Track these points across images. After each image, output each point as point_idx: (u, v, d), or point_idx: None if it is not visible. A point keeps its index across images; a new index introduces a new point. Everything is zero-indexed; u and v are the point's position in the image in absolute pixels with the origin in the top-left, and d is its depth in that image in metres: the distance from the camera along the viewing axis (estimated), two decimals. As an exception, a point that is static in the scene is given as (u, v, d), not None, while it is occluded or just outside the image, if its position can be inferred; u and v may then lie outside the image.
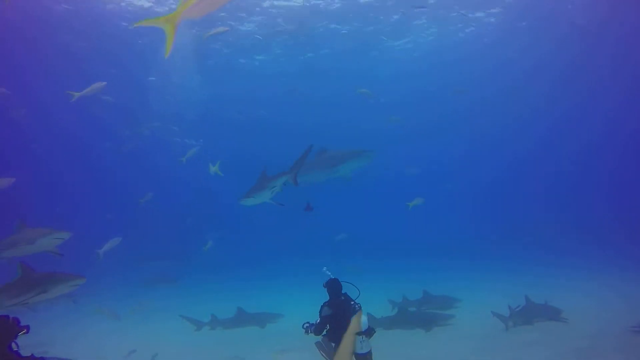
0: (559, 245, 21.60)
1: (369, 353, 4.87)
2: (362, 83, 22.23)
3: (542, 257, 19.46)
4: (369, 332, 4.85)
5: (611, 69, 25.82)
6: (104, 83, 10.72)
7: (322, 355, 5.21)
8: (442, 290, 13.04)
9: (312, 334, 5.09)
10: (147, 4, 18.21)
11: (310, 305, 6.03)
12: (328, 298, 5.21)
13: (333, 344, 5.07)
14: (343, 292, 5.23)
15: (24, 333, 3.42)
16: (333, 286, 5.20)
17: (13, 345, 3.36)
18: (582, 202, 32.23)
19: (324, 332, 5.08)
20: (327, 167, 12.18)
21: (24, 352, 3.41)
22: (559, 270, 16.47)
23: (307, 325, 5.10)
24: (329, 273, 5.42)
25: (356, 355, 4.82)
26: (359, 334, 4.82)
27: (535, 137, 36.19)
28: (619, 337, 8.62)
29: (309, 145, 8.81)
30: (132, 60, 22.78)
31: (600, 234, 23.10)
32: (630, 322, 9.07)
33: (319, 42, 23.73)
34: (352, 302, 5.06)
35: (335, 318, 4.97)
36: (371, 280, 16.86)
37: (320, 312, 5.11)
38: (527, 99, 31.07)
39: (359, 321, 4.59)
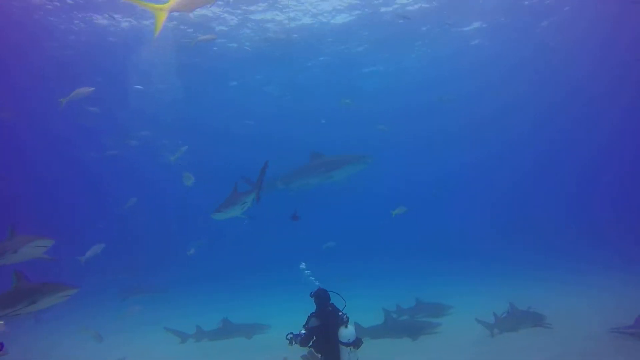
0: (560, 248, 21.76)
1: (356, 364, 4.85)
2: (354, 94, 22.58)
3: (542, 260, 19.50)
4: (356, 343, 4.83)
5: (614, 76, 26.33)
6: (92, 88, 10.61)
7: (309, 367, 5.16)
8: (439, 296, 13.14)
9: (297, 345, 4.97)
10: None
11: (298, 315, 5.98)
12: (315, 308, 5.16)
13: (319, 355, 5.03)
14: (330, 302, 5.19)
15: None
16: (321, 296, 5.15)
17: None
18: (583, 205, 32.93)
19: (310, 344, 5.02)
20: (323, 172, 12.23)
21: None
22: (559, 273, 16.46)
23: (291, 336, 4.97)
24: (309, 272, 5.39)
25: (344, 366, 4.80)
26: (346, 344, 4.80)
27: (534, 141, 37.04)
28: (611, 341, 8.77)
29: (265, 161, 8.99)
30: (117, 68, 22.61)
31: (604, 236, 23.13)
32: (617, 325, 9.24)
33: (307, 56, 23.96)
34: (340, 313, 5.02)
35: (322, 329, 4.93)
36: (366, 286, 17.02)
37: (307, 323, 5.03)
38: (529, 107, 31.81)
39: None
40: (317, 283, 5.43)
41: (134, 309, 13.87)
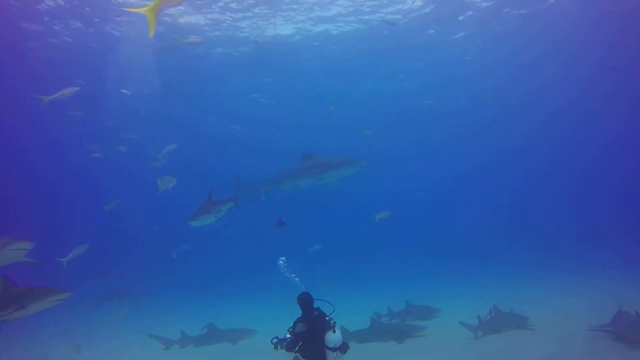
0: (560, 249, 21.82)
1: (343, 368, 4.86)
2: (353, 100, 22.33)
3: (542, 260, 19.55)
4: (343, 348, 4.85)
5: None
6: (76, 88, 10.46)
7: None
8: (435, 298, 13.29)
9: (283, 350, 4.95)
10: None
11: (284, 320, 5.96)
12: (301, 313, 5.16)
13: (305, 360, 5.02)
14: (316, 306, 5.19)
15: None
16: (305, 299, 5.16)
17: None
18: (583, 206, 33.27)
19: (296, 349, 5.00)
20: (315, 174, 12.08)
21: None
22: (559, 273, 16.51)
23: (276, 340, 4.95)
24: (288, 268, 5.38)
25: (331, 371, 4.81)
26: (333, 349, 4.81)
27: (535, 143, 37.54)
28: (604, 341, 8.89)
29: (237, 175, 9.57)
30: (106, 72, 22.36)
31: (604, 236, 23.12)
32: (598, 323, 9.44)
33: (295, 61, 24.08)
34: (327, 318, 5.03)
35: (309, 334, 4.93)
36: (363, 289, 17.09)
37: (293, 328, 5.02)
38: (530, 110, 32.35)
39: None
40: (297, 279, 5.43)
41: (121, 312, 13.56)
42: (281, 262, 5.51)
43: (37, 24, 17.90)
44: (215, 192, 9.60)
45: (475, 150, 38.23)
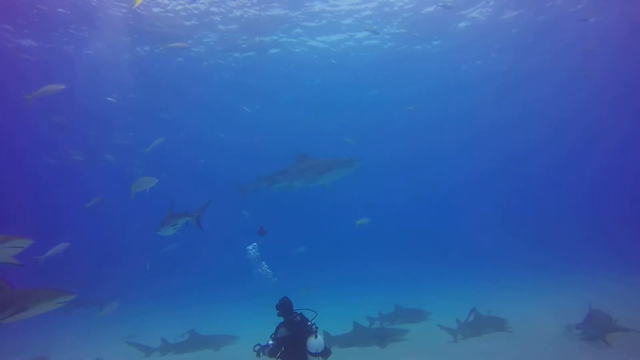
0: (565, 251, 22.06)
1: (325, 374, 4.89)
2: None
3: (545, 262, 19.79)
4: (325, 353, 4.89)
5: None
6: (62, 86, 10.32)
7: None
8: (426, 301, 13.52)
9: (266, 356, 4.95)
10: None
11: (267, 326, 5.97)
12: (283, 318, 5.18)
13: (287, 366, 5.04)
14: (298, 312, 5.21)
15: None
16: (285, 304, 5.17)
17: None
18: (588, 208, 34.05)
19: (279, 354, 5.01)
20: (311, 174, 11.92)
21: None
22: (560, 275, 16.73)
23: (259, 347, 4.94)
24: (257, 258, 5.36)
25: (312, 376, 4.84)
26: (315, 355, 4.85)
27: (541, 147, 38.05)
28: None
29: (209, 198, 9.78)
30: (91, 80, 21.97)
31: (613, 239, 23.24)
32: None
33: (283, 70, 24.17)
34: (309, 323, 5.05)
35: (291, 339, 4.96)
36: (356, 294, 17.09)
37: (275, 333, 5.04)
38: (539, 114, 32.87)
39: None
40: (269, 271, 5.41)
41: (113, 306, 13.25)
42: (251, 248, 5.44)
43: (14, 26, 17.51)
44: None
45: (475, 154, 38.82)
